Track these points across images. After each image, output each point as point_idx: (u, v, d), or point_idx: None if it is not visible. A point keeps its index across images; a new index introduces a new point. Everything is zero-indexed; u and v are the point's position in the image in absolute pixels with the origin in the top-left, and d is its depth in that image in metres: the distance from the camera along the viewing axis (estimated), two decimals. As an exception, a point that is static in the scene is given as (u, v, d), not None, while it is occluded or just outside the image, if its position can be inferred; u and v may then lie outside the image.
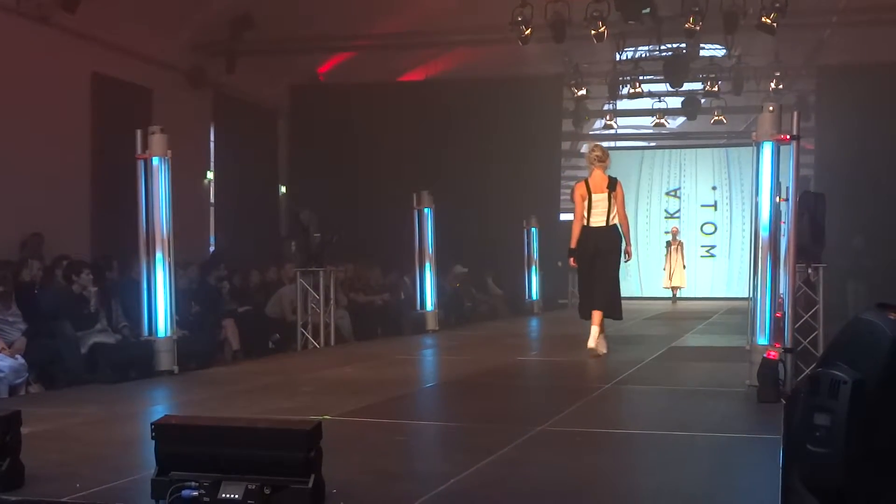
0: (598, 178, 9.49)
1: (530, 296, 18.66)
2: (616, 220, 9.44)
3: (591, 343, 9.34)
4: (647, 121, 24.61)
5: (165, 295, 8.87)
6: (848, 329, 4.10)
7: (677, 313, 17.55)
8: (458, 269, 17.96)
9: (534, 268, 18.73)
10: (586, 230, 9.48)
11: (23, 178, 12.54)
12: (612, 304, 9.56)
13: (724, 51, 19.32)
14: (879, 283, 16.31)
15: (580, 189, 9.55)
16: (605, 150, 9.79)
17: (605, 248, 9.43)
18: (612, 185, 9.46)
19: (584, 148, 26.91)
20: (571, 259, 9.78)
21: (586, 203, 9.44)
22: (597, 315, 9.45)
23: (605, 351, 9.57)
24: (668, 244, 21.19)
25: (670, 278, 20.82)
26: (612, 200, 9.38)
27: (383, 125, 19.58)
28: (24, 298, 9.28)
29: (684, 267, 21.00)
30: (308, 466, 3.89)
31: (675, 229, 21.60)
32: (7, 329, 8.81)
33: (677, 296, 21.08)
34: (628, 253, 9.51)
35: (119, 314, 10.27)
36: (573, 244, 9.60)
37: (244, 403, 7.10)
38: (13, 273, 9.81)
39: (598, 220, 9.42)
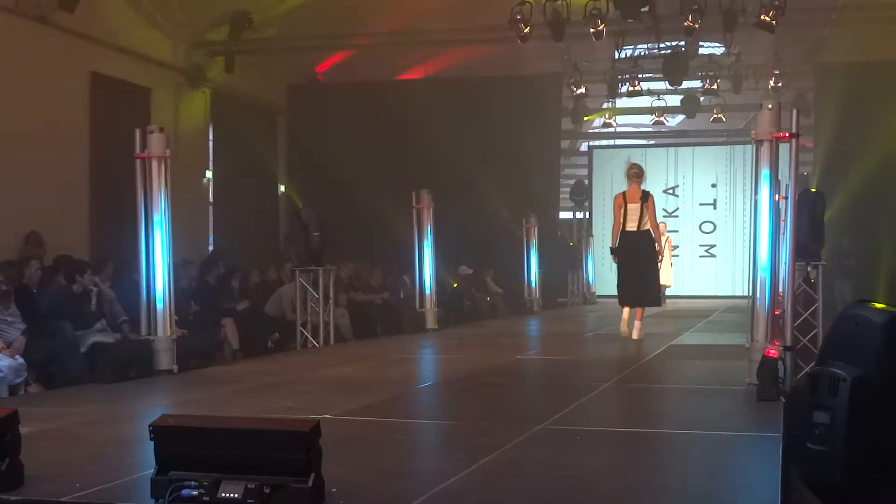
0: (633, 190, 11.24)
1: (530, 295, 18.64)
2: (648, 226, 11.15)
3: (635, 335, 11.15)
4: (647, 119, 24.59)
5: (164, 294, 8.86)
6: (836, 326, 4.12)
7: (677, 311, 17.52)
8: (464, 270, 17.94)
9: (533, 266, 18.70)
10: (624, 234, 11.21)
11: (22, 178, 12.52)
12: (652, 297, 11.68)
13: (723, 49, 19.29)
14: (864, 282, 16.32)
15: (618, 199, 11.35)
16: (641, 168, 11.62)
17: (642, 251, 11.17)
18: (645, 196, 11.20)
19: (584, 145, 27.25)
20: (613, 256, 11.48)
21: (623, 211, 11.15)
22: (639, 311, 11.32)
23: (640, 336, 11.20)
24: None
25: None
26: (644, 209, 11.10)
27: (382, 124, 19.56)
28: (23, 298, 9.27)
29: (672, 265, 20.78)
30: (308, 465, 3.89)
31: (663, 225, 21.39)
32: (6, 329, 8.81)
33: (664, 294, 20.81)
34: (659, 253, 11.42)
35: (118, 309, 10.28)
36: (614, 244, 11.39)
37: (244, 402, 7.10)
38: (16, 273, 9.80)
39: (632, 225, 11.16)
